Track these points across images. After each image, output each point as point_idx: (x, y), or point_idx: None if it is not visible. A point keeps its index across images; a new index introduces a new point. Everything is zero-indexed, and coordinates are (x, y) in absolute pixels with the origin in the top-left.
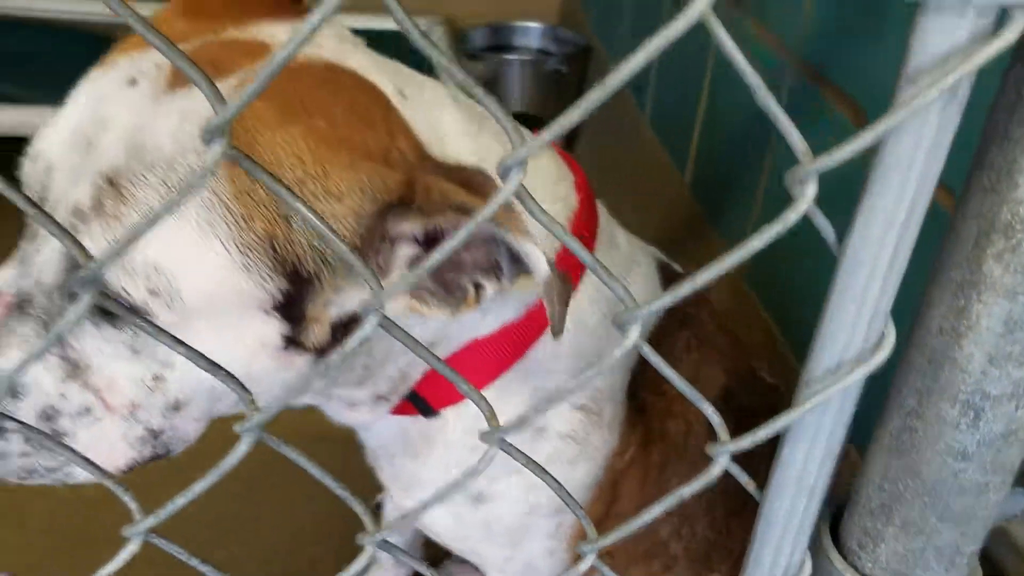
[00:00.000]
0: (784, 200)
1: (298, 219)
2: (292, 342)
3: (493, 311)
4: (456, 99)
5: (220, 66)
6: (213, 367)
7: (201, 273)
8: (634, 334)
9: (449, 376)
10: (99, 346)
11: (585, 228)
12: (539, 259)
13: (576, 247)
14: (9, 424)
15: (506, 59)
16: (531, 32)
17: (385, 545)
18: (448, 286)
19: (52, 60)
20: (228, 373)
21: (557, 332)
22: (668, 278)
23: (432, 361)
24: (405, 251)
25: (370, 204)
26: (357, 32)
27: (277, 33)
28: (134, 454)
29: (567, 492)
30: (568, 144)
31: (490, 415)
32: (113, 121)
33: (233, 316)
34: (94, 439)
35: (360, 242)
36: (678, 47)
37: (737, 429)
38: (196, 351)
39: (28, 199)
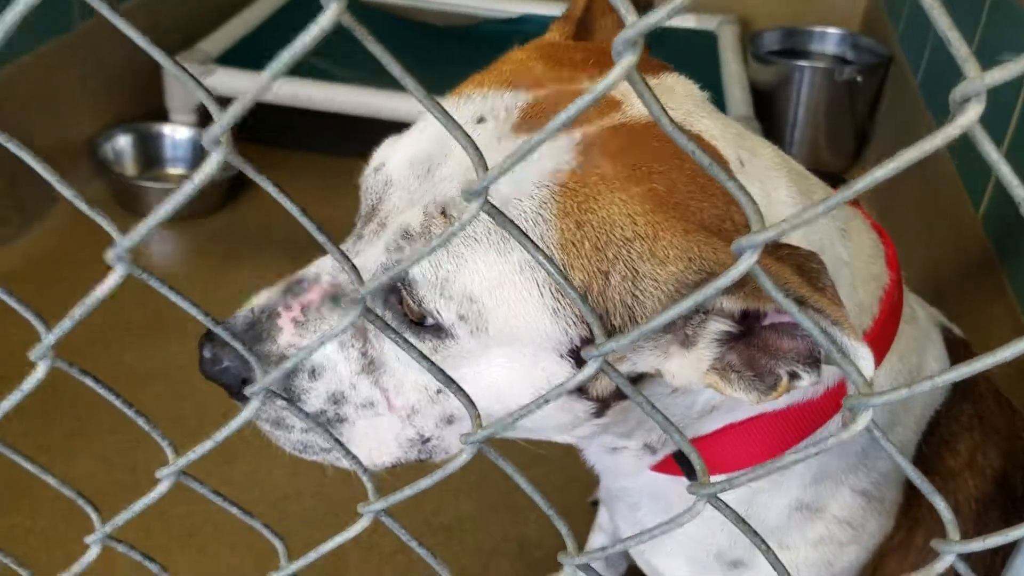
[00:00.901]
0: None
1: (616, 276)
2: (579, 388)
3: None
4: (787, 165)
5: None
6: (448, 382)
7: (511, 309)
8: (863, 422)
9: (677, 440)
10: (398, 352)
11: (894, 309)
12: (868, 363)
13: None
14: (294, 409)
15: (797, 65)
16: (828, 38)
17: (587, 569)
18: (760, 371)
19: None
20: (460, 389)
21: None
22: (951, 346)
23: (664, 424)
24: (718, 326)
25: (694, 274)
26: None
27: (629, 91)
28: (400, 454)
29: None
30: (858, 152)
31: (701, 471)
32: (454, 155)
33: (529, 353)
34: (370, 430)
35: None
36: (992, 50)
37: (1013, 515)
38: (442, 370)
39: (320, 228)
